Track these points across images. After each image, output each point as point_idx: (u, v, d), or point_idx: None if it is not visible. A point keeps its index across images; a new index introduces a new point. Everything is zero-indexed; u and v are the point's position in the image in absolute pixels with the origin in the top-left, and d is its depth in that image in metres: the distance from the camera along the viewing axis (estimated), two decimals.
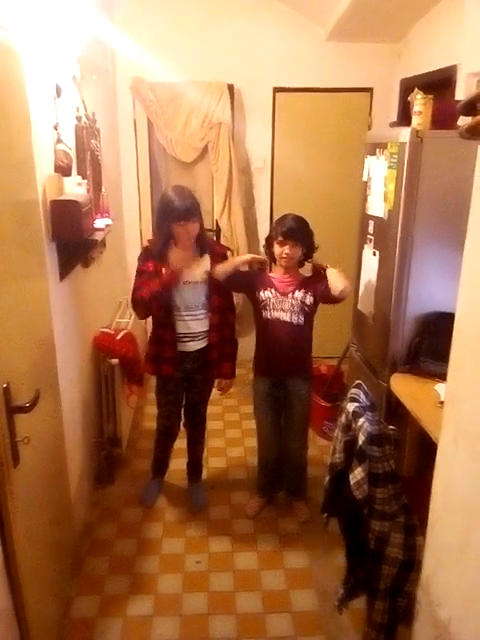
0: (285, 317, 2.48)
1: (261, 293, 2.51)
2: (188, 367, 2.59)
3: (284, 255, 2.45)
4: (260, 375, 2.67)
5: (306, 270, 2.60)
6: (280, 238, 2.44)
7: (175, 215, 2.33)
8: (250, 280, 2.57)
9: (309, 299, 2.46)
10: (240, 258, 2.64)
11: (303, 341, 2.55)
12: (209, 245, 2.55)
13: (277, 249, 2.47)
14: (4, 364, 1.49)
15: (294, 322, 2.48)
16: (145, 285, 2.41)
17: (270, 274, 2.58)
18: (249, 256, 2.65)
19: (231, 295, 2.65)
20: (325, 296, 2.42)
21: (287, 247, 2.43)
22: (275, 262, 2.56)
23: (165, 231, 2.40)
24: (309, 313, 2.49)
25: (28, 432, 1.59)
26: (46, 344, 1.98)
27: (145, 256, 2.50)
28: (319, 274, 2.48)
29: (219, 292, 2.53)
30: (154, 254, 2.45)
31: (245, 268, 2.63)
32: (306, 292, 2.47)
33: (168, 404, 2.69)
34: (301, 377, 2.60)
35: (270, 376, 2.63)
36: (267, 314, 2.51)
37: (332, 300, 2.40)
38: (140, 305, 2.50)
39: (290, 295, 2.47)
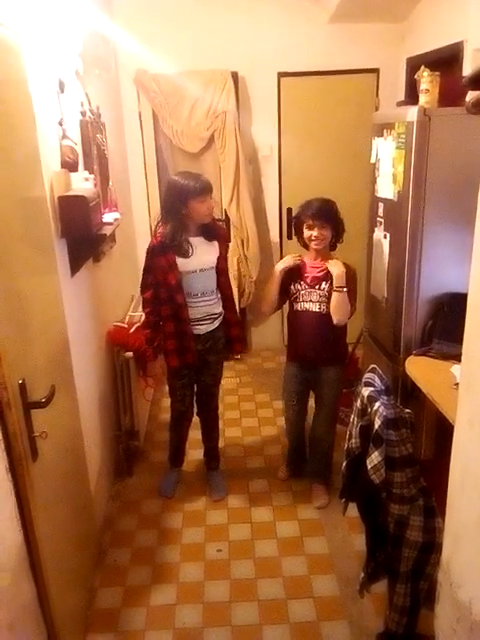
0: (314, 308, 2.53)
1: (292, 286, 2.57)
2: (199, 348, 2.60)
3: (313, 238, 2.48)
4: (290, 360, 2.75)
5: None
6: (309, 221, 2.47)
7: (196, 192, 2.35)
8: (287, 279, 2.59)
9: None
10: (276, 274, 2.55)
11: (331, 329, 2.54)
12: (216, 229, 2.58)
13: (306, 233, 2.50)
14: (19, 360, 1.51)
15: (323, 312, 2.51)
16: (151, 316, 2.55)
17: (304, 259, 2.58)
18: (282, 265, 2.56)
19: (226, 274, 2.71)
20: None
21: (316, 229, 2.46)
22: (307, 247, 2.57)
23: (180, 216, 2.40)
24: None
25: (45, 427, 1.61)
26: (60, 339, 2.00)
27: (153, 252, 2.47)
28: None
29: (223, 273, 2.62)
30: (169, 247, 2.42)
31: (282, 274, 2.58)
32: (331, 284, 2.48)
33: (182, 387, 2.70)
34: (332, 364, 2.63)
35: (301, 361, 2.70)
36: (297, 306, 2.58)
37: None
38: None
39: (317, 287, 2.51)
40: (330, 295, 2.48)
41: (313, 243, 2.49)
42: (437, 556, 1.57)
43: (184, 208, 2.38)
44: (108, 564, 2.41)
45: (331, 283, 2.47)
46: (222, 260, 2.60)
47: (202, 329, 2.58)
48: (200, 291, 2.52)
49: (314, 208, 2.44)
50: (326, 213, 2.45)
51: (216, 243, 2.53)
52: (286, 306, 2.69)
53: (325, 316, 2.51)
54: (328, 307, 2.49)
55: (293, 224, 2.60)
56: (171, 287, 2.44)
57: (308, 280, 2.54)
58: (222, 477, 2.90)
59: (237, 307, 2.73)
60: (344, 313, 2.44)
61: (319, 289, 2.51)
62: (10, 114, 1.60)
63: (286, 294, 2.61)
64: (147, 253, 2.50)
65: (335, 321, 2.44)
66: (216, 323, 2.61)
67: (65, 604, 1.85)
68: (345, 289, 2.41)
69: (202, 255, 2.48)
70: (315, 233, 2.46)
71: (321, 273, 2.51)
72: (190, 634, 2.08)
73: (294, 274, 2.57)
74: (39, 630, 1.66)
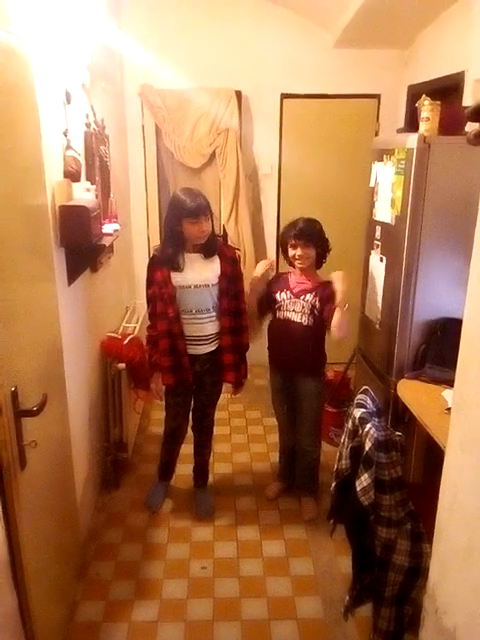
0: (295, 318, 2.57)
1: (277, 295, 2.62)
2: (197, 369, 2.59)
3: (297, 257, 2.52)
4: (272, 370, 2.82)
5: (324, 273, 2.62)
6: (292, 241, 2.52)
7: (187, 213, 2.35)
8: (270, 290, 2.65)
9: (318, 304, 2.53)
10: (256, 278, 2.64)
11: (311, 341, 2.60)
12: (218, 247, 2.54)
13: (291, 252, 2.55)
14: (12, 368, 1.50)
15: (303, 323, 2.55)
16: (155, 340, 2.54)
17: (289, 274, 2.65)
18: (261, 269, 2.65)
19: (241, 298, 2.61)
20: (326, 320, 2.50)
21: (299, 249, 2.51)
22: (293, 265, 2.61)
23: (176, 232, 2.41)
24: (318, 316, 2.54)
25: (35, 436, 1.60)
26: (54, 348, 1.99)
27: (152, 264, 2.51)
28: (332, 291, 2.48)
29: (228, 294, 2.52)
30: (163, 260, 2.46)
31: (263, 282, 2.67)
32: (317, 296, 2.53)
33: (175, 405, 2.69)
34: (310, 375, 2.66)
35: (280, 371, 2.75)
36: (280, 314, 2.61)
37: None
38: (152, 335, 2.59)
39: (302, 297, 2.55)
40: (313, 308, 2.53)
41: (297, 262, 2.54)
42: (423, 581, 1.56)
43: (178, 225, 2.39)
44: (91, 577, 2.38)
45: (315, 295, 2.52)
46: (224, 279, 2.49)
47: (200, 349, 2.55)
48: (194, 308, 2.49)
49: (298, 228, 2.49)
50: (310, 233, 2.49)
51: (217, 261, 2.49)
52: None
53: (306, 328, 2.55)
54: (310, 319, 2.54)
55: (279, 243, 2.65)
56: (164, 300, 2.45)
57: (294, 290, 2.58)
58: (209, 495, 2.88)
59: (242, 335, 2.62)
60: (345, 330, 2.45)
61: (303, 300, 2.54)
62: (16, 122, 1.62)
63: (269, 303, 2.65)
64: (148, 266, 2.53)
65: (337, 337, 2.44)
66: (215, 345, 2.57)
67: (46, 616, 1.83)
68: (346, 306, 2.43)
69: (197, 271, 2.47)
70: (299, 252, 2.50)
71: (305, 289, 2.56)
72: None
73: (280, 284, 2.62)
74: None
